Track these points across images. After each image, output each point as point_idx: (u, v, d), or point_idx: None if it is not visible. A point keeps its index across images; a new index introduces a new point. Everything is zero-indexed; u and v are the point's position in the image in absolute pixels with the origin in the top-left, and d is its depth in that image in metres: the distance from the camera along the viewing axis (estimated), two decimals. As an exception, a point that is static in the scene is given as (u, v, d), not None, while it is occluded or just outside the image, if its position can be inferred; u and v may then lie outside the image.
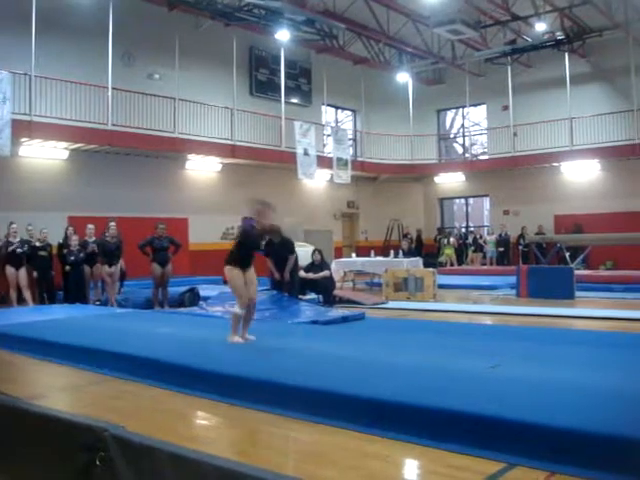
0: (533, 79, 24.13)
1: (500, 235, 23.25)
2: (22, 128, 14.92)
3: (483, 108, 26.44)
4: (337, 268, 16.23)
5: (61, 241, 13.99)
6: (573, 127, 22.26)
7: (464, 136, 27.77)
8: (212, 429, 5.13)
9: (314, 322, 9.57)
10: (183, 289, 13.66)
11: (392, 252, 17.18)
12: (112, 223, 13.80)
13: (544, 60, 23.19)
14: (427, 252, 23.48)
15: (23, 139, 15.51)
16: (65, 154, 17.02)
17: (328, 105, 25.06)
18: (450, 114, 28.49)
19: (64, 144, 16.56)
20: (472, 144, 27.40)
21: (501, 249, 23.01)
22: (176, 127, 18.47)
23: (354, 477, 3.75)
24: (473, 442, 4.04)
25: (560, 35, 21.10)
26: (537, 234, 21.69)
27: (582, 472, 3.59)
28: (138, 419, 4.98)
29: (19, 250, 13.03)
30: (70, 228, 14.16)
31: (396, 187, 26.73)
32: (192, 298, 13.29)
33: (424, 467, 4.00)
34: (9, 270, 12.99)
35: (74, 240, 13.42)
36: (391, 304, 13.13)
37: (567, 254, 16.07)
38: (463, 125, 27.73)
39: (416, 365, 5.76)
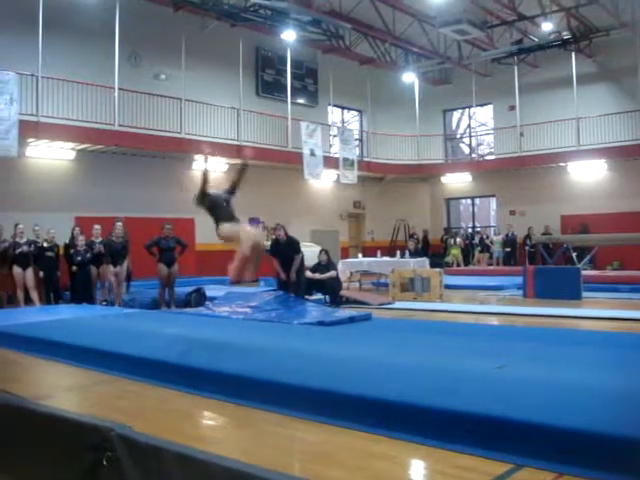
0: (540, 79, 24.08)
1: (507, 235, 23.21)
2: (29, 129, 14.96)
3: (489, 108, 26.41)
4: (343, 268, 16.21)
5: (68, 241, 14.01)
6: (580, 127, 22.21)
7: (470, 136, 27.73)
8: (218, 429, 5.13)
9: (320, 323, 9.55)
10: (189, 289, 13.67)
11: (398, 252, 17.16)
12: (118, 223, 13.82)
13: (551, 60, 23.14)
14: (434, 252, 23.44)
15: (30, 140, 15.56)
16: (72, 155, 17.06)
17: (334, 105, 25.05)
18: (456, 114, 28.47)
19: (71, 145, 16.61)
20: (478, 144, 27.35)
21: (508, 249, 22.96)
22: (182, 127, 18.49)
23: (361, 477, 3.74)
24: (480, 443, 4.04)
25: (567, 35, 21.05)
26: (544, 234, 21.64)
27: (589, 473, 3.58)
28: (144, 419, 4.99)
29: (26, 249, 13.07)
30: (77, 228, 14.18)
31: (402, 187, 26.72)
32: (198, 298, 13.30)
33: (430, 467, 4.00)
34: (16, 270, 13.02)
35: (81, 240, 13.44)
36: (398, 304, 13.11)
37: (574, 254, 16.02)
38: (469, 125, 27.69)
39: (422, 365, 5.75)
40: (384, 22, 20.61)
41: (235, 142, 19.87)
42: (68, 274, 13.77)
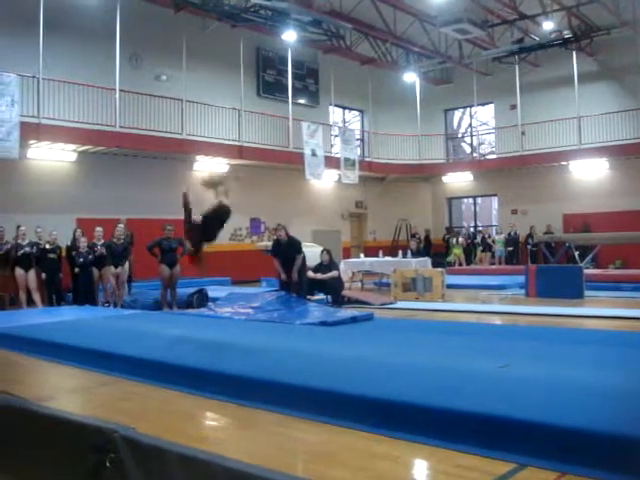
0: (541, 78, 24.07)
1: (509, 234, 23.21)
2: (30, 130, 14.97)
3: (491, 107, 26.39)
4: (345, 268, 16.22)
5: (69, 243, 14.02)
6: (581, 126, 22.19)
7: (472, 135, 27.73)
8: (221, 430, 5.13)
9: (323, 323, 9.55)
10: (192, 290, 13.68)
11: (400, 252, 17.17)
12: (120, 225, 13.86)
13: (552, 59, 23.13)
14: (435, 252, 23.43)
15: (31, 141, 15.57)
16: (73, 156, 17.07)
17: (335, 105, 25.05)
18: (458, 113, 28.45)
19: (72, 146, 16.62)
20: (480, 143, 27.34)
21: (511, 248, 22.96)
22: (184, 128, 18.50)
23: (363, 477, 3.75)
24: (482, 442, 4.03)
25: (568, 34, 21.03)
26: (546, 233, 21.62)
27: (592, 472, 3.58)
28: (147, 420, 4.99)
29: (28, 251, 13.08)
30: (78, 230, 14.19)
31: (404, 187, 26.71)
32: (201, 299, 13.31)
33: (433, 467, 4.00)
34: (18, 272, 13.04)
35: (82, 242, 13.45)
36: (400, 304, 13.11)
37: (576, 253, 16.03)
38: (471, 124, 27.69)
39: (424, 365, 5.75)
40: (385, 22, 20.61)
41: (236, 143, 19.87)
42: (70, 276, 13.78)
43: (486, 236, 24.03)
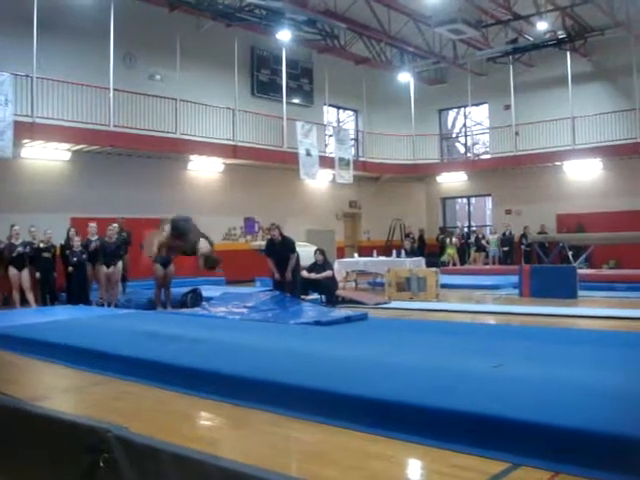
0: (535, 78, 24.11)
1: (504, 234, 23.24)
2: (24, 130, 14.93)
3: (485, 107, 26.44)
4: (339, 268, 16.22)
5: (63, 242, 14.00)
6: (575, 126, 22.24)
7: (466, 135, 27.77)
8: (215, 429, 5.12)
9: (317, 322, 9.56)
10: (186, 290, 13.65)
11: (394, 252, 17.19)
12: (114, 224, 13.85)
13: (546, 59, 23.18)
14: (429, 252, 23.47)
15: (25, 141, 15.53)
16: (67, 155, 17.04)
17: (330, 105, 25.05)
18: (452, 114, 28.49)
19: (66, 145, 16.59)
20: (474, 143, 27.37)
21: (505, 248, 23.00)
22: (178, 128, 18.48)
23: (357, 477, 3.75)
24: (476, 442, 4.04)
25: (562, 34, 21.08)
26: (539, 233, 21.65)
27: (586, 472, 3.58)
28: (141, 420, 4.98)
29: (21, 250, 13.06)
30: (72, 229, 14.18)
31: (398, 187, 26.73)
32: (195, 299, 13.28)
33: (427, 467, 4.00)
34: (12, 272, 13.01)
35: (76, 241, 13.46)
36: (394, 304, 13.12)
37: (570, 253, 16.07)
38: (465, 125, 27.72)
39: (419, 365, 5.75)
40: (379, 22, 20.62)
41: (231, 142, 19.87)
42: (64, 275, 13.76)
43: (480, 236, 24.06)
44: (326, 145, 23.95)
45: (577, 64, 22.45)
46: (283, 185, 22.29)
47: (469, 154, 26.90)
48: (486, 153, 26.57)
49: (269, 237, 13.21)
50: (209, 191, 20.46)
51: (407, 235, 24.45)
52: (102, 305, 13.41)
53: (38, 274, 13.46)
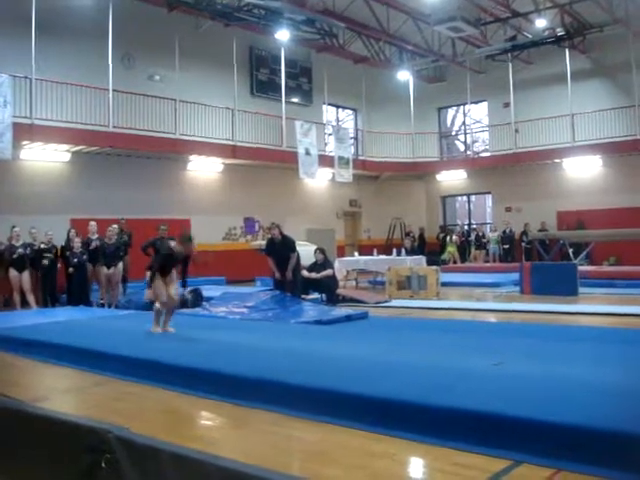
0: (534, 75, 24.09)
1: (504, 232, 23.24)
2: (23, 131, 14.93)
3: (484, 105, 26.41)
4: (340, 267, 16.21)
5: (64, 244, 14.01)
6: (574, 123, 22.21)
7: (465, 133, 27.75)
8: (216, 429, 5.12)
9: (317, 321, 9.56)
10: (186, 290, 13.64)
11: (395, 250, 17.18)
12: (114, 225, 13.87)
13: (545, 56, 23.16)
14: (430, 250, 23.45)
15: (24, 142, 15.53)
16: (67, 156, 17.03)
17: (329, 104, 25.05)
18: (451, 112, 28.47)
19: (65, 147, 16.59)
20: (473, 141, 27.34)
21: (506, 246, 23.00)
22: (177, 128, 18.47)
23: (359, 476, 3.74)
24: (478, 440, 4.03)
25: (560, 31, 21.04)
26: (540, 231, 21.65)
27: (588, 469, 3.58)
28: (142, 420, 4.98)
29: (21, 252, 13.05)
30: (72, 230, 14.19)
31: (398, 185, 26.72)
32: (195, 299, 13.24)
33: (429, 465, 4.00)
34: (12, 273, 13.01)
35: (77, 242, 13.46)
36: (394, 302, 13.12)
37: (570, 250, 16.05)
38: (464, 122, 27.71)
39: (420, 363, 5.75)
40: (378, 20, 20.60)
41: (230, 142, 19.86)
42: (65, 276, 13.76)
43: (480, 234, 24.06)
44: (325, 144, 23.95)
45: (576, 61, 22.42)
46: (283, 184, 22.29)
47: (469, 152, 26.88)
48: (486, 151, 26.54)
49: (269, 236, 13.20)
50: (209, 191, 20.46)
51: (407, 234, 24.43)
52: (103, 306, 13.43)
53: (39, 273, 13.48)
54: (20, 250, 13.08)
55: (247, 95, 21.80)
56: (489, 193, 26.62)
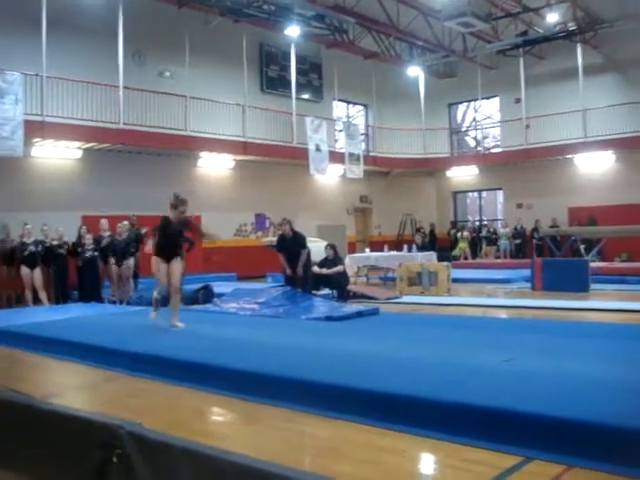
0: (545, 71, 23.99)
1: (515, 228, 23.19)
2: (34, 129, 14.98)
3: (495, 101, 26.34)
4: (351, 263, 16.20)
5: (75, 240, 14.06)
6: (586, 118, 22.11)
7: (476, 129, 27.68)
8: (227, 425, 5.14)
9: (328, 318, 9.56)
10: (197, 286, 13.67)
11: (405, 246, 17.14)
12: (124, 222, 13.91)
13: (556, 51, 23.06)
14: (441, 246, 23.41)
15: (35, 140, 15.58)
16: (77, 154, 17.09)
17: (339, 100, 24.99)
18: (462, 107, 28.39)
19: (76, 144, 16.63)
20: (484, 137, 27.26)
21: (517, 241, 22.95)
22: (187, 125, 18.50)
23: (370, 471, 3.75)
24: (489, 435, 4.03)
25: (572, 26, 20.97)
26: (551, 227, 21.58)
27: (599, 465, 3.57)
28: (154, 416, 5.00)
29: (33, 249, 13.11)
30: (83, 227, 14.24)
31: (409, 181, 26.68)
32: (206, 295, 13.29)
33: (440, 461, 4.00)
34: (24, 271, 13.05)
35: (88, 239, 13.51)
36: (405, 298, 13.11)
37: (582, 247, 15.98)
38: (475, 118, 27.62)
39: (430, 359, 5.75)
40: (388, 16, 20.56)
41: (240, 138, 19.87)
42: (77, 273, 13.81)
43: (491, 230, 23.99)
44: (336, 140, 23.94)
45: (588, 56, 22.30)
46: (293, 181, 22.29)
47: (479, 148, 26.81)
48: (497, 147, 26.48)
49: (280, 233, 13.20)
50: (219, 188, 20.48)
51: (418, 230, 24.39)
52: (114, 302, 13.47)
53: (51, 270, 13.55)
54: (32, 247, 13.13)
55: (257, 91, 21.80)
56: (500, 189, 26.52)
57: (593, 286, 13.31)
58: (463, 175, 26.65)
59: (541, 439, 3.85)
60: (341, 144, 23.56)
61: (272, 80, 22.49)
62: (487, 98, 25.88)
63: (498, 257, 22.90)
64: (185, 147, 18.44)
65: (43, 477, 3.95)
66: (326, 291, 13.42)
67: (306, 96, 23.34)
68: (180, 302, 12.66)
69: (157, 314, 8.78)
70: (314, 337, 7.51)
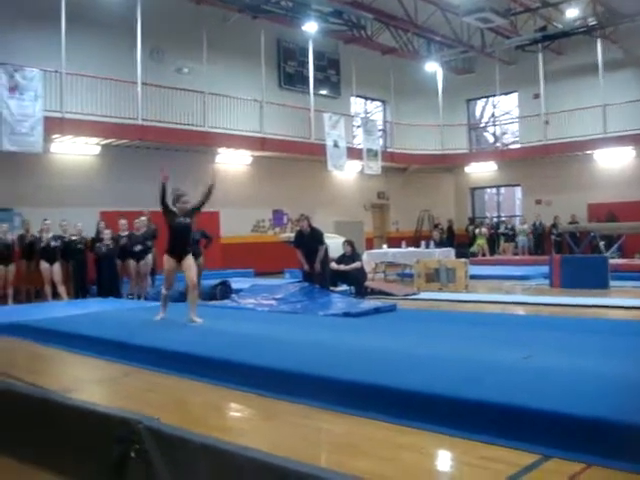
0: (564, 66, 23.82)
1: (534, 225, 23.07)
2: (54, 125, 15.08)
3: (514, 96, 26.17)
4: (368, 259, 16.19)
5: (94, 236, 14.14)
6: (606, 114, 21.91)
7: (495, 125, 27.54)
8: (245, 421, 5.15)
9: (346, 314, 9.56)
10: (215, 282, 13.70)
11: (423, 243, 17.10)
12: (142, 217, 13.95)
13: (576, 47, 22.90)
14: (459, 242, 23.35)
15: (55, 136, 15.68)
16: (96, 150, 17.18)
17: (357, 96, 24.97)
18: (480, 103, 28.25)
19: (95, 140, 16.73)
20: (503, 133, 27.12)
21: (537, 236, 22.85)
22: (206, 121, 18.55)
23: (388, 468, 3.74)
24: (507, 433, 4.01)
25: (592, 21, 20.79)
26: (570, 223, 21.43)
27: (619, 464, 3.54)
28: (171, 411, 5.02)
29: (52, 244, 13.21)
30: (102, 223, 14.33)
31: (426, 177, 26.60)
32: (224, 291, 13.31)
33: (457, 459, 3.98)
34: (43, 265, 13.16)
35: (106, 234, 13.60)
36: (423, 295, 13.08)
37: (601, 243, 15.87)
38: (494, 114, 27.49)
39: (448, 356, 5.73)
40: (406, 11, 20.48)
41: (258, 134, 19.89)
42: (95, 268, 13.90)
43: (509, 226, 23.88)
44: (354, 136, 23.93)
45: (608, 51, 22.10)
46: (311, 177, 22.29)
47: (498, 144, 26.68)
48: (515, 142, 26.33)
49: (298, 229, 13.21)
50: (237, 183, 20.51)
51: (436, 226, 24.35)
52: (132, 298, 13.54)
53: (70, 265, 13.65)
54: (51, 242, 13.24)
55: (275, 87, 21.81)
56: (518, 185, 26.39)
57: (613, 283, 13.21)
58: (481, 171, 26.53)
59: (560, 437, 3.82)
60: (359, 140, 23.53)
61: (290, 76, 22.50)
62: (506, 94, 25.74)
63: (516, 254, 22.77)
64: (203, 143, 18.49)
65: (62, 471, 3.98)
66: (344, 287, 13.43)
67: (324, 92, 23.33)
68: (198, 298, 12.82)
69: (164, 314, 8.79)
70: (332, 333, 7.50)
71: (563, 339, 6.73)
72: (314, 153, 20.92)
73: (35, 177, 15.78)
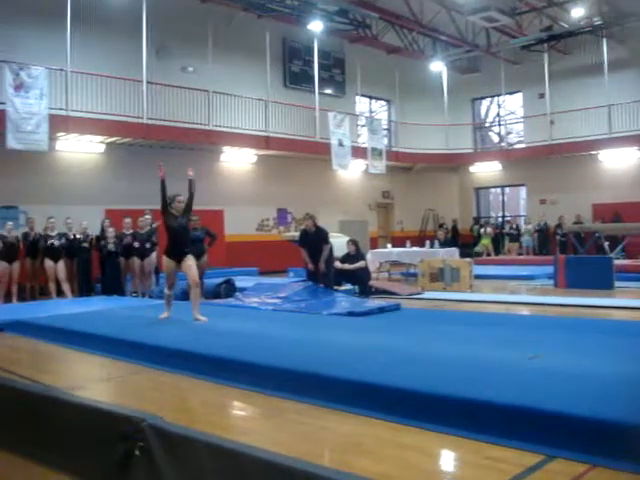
0: (570, 66, 23.78)
1: (539, 225, 23.02)
2: (59, 123, 15.09)
3: (519, 96, 26.14)
4: (373, 259, 16.17)
5: (99, 234, 14.16)
6: (611, 114, 21.88)
7: (500, 125, 27.50)
8: (249, 419, 5.15)
9: (350, 313, 9.56)
10: (219, 280, 13.71)
11: (428, 242, 17.08)
12: (147, 216, 13.95)
13: (581, 46, 22.86)
14: (463, 242, 23.33)
15: (60, 133, 15.70)
16: (101, 148, 17.19)
17: (362, 95, 24.97)
18: (485, 103, 28.22)
19: (100, 138, 16.73)
20: (508, 133, 27.08)
21: (541, 236, 22.81)
22: (211, 119, 18.55)
23: (392, 468, 3.73)
24: (511, 433, 4.00)
25: (597, 20, 20.74)
26: (575, 223, 21.40)
27: (623, 465, 3.53)
28: (175, 410, 5.02)
29: (57, 242, 13.24)
30: (106, 221, 14.34)
31: (431, 177, 26.58)
32: (228, 289, 13.33)
33: (461, 459, 3.97)
34: (48, 263, 13.20)
35: (110, 232, 13.61)
36: (427, 295, 13.06)
37: (606, 243, 15.83)
38: (499, 114, 27.45)
39: (452, 356, 5.72)
40: (411, 10, 20.48)
41: (263, 133, 19.89)
42: (99, 266, 13.93)
43: (514, 226, 23.84)
44: (359, 135, 23.90)
45: (613, 51, 22.04)
46: (316, 176, 22.28)
47: (503, 143, 26.64)
48: (520, 142, 26.29)
49: (303, 228, 13.20)
50: (242, 182, 20.52)
51: (440, 225, 24.34)
52: (136, 296, 13.56)
53: (75, 264, 13.68)
54: (55, 240, 13.27)
55: (280, 86, 21.81)
56: (523, 185, 26.36)
57: (617, 284, 13.18)
58: (486, 171, 26.50)
59: (564, 437, 3.81)
60: (364, 139, 23.51)
61: (295, 75, 22.50)
62: (511, 93, 25.71)
63: (521, 254, 22.74)
64: (208, 142, 18.50)
65: (66, 468, 3.99)
66: (348, 286, 13.41)
67: (329, 91, 23.33)
68: (201, 296, 12.82)
69: (169, 314, 8.84)
70: (336, 332, 7.50)
71: (568, 339, 6.72)
72: (319, 152, 20.92)
73: (40, 175, 15.81)
